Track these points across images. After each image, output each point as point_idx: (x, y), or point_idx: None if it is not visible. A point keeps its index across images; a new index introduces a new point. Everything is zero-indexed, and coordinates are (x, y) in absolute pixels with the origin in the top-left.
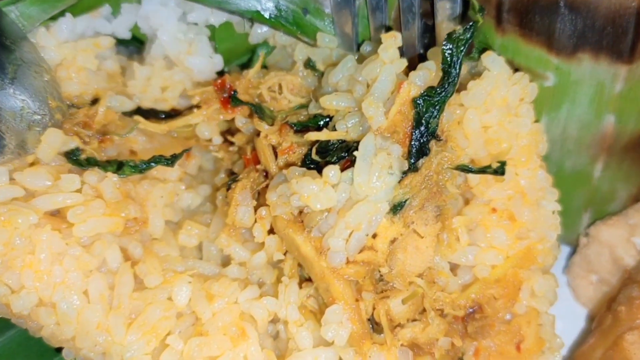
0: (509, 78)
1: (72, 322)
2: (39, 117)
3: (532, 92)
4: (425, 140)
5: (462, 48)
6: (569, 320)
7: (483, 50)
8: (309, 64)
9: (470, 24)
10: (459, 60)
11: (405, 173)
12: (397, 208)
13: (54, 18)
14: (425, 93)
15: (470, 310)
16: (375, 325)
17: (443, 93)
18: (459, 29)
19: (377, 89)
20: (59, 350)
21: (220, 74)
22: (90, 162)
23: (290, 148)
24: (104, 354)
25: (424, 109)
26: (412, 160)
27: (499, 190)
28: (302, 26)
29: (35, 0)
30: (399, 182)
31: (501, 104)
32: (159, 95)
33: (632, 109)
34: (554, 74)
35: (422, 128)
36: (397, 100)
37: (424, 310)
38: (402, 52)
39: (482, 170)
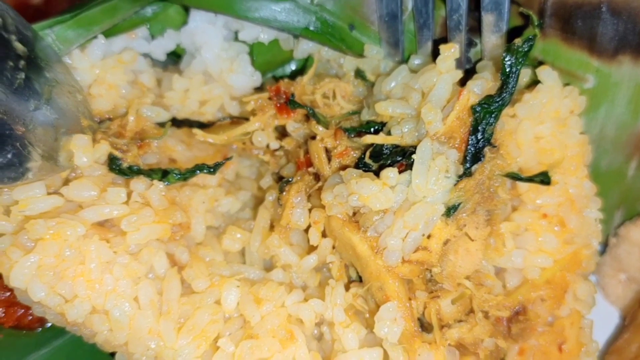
0: (561, 91)
1: (125, 328)
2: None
3: (582, 104)
4: (480, 146)
5: (520, 59)
6: (599, 319)
7: (539, 63)
8: (358, 74)
9: (530, 36)
10: (517, 71)
11: (460, 177)
12: (451, 210)
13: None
14: (483, 101)
15: (515, 312)
16: (423, 325)
17: (500, 101)
18: (518, 40)
19: (435, 96)
20: (112, 354)
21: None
22: (134, 171)
23: (345, 152)
24: (155, 358)
25: (482, 116)
26: (468, 165)
27: (550, 197)
28: (348, 41)
29: (72, 24)
30: (454, 185)
31: (554, 116)
32: (196, 108)
33: None
34: (595, 76)
35: (479, 135)
36: (456, 106)
37: (470, 311)
38: None
39: (530, 179)
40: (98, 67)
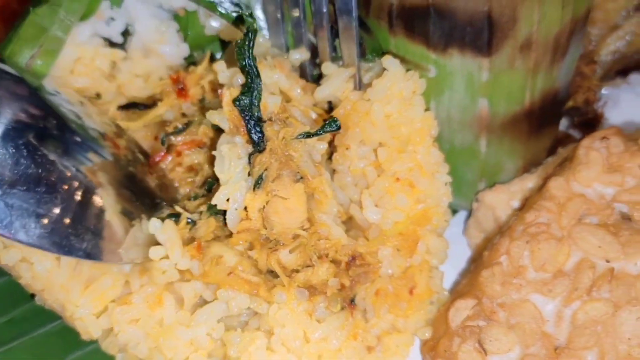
0: (404, 75)
1: (43, 279)
2: None
3: (422, 85)
4: (256, 126)
5: (246, 51)
6: None
7: (383, 53)
8: None
9: (248, 32)
10: (249, 60)
11: (251, 155)
12: (258, 182)
13: None
14: (240, 94)
15: (351, 257)
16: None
17: (253, 86)
18: (240, 37)
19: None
20: (33, 296)
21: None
22: None
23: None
24: (62, 307)
25: (246, 103)
26: (255, 144)
27: (402, 164)
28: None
29: None
30: (249, 163)
31: (399, 97)
32: (142, 84)
33: (500, 94)
34: (434, 67)
35: (247, 118)
36: (224, 105)
37: (319, 257)
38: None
39: (321, 131)
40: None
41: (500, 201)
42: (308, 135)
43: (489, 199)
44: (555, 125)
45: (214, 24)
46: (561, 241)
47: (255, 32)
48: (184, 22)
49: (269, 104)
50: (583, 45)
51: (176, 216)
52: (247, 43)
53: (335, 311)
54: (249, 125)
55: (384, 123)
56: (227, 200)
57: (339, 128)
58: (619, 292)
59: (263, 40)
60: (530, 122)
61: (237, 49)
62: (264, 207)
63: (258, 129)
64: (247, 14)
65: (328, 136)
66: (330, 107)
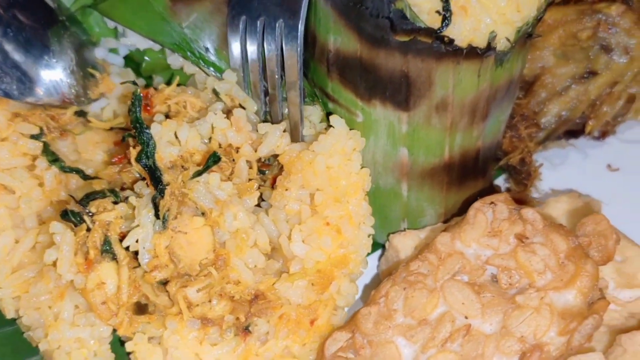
0: (347, 134)
1: None
2: None
3: (362, 144)
4: (155, 174)
5: (135, 112)
6: None
7: (329, 113)
8: (214, 92)
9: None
10: (138, 119)
11: (155, 199)
12: (164, 222)
13: None
14: (141, 150)
15: (254, 296)
16: None
17: (145, 139)
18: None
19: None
20: None
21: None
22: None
23: None
24: None
25: (142, 159)
26: (158, 190)
27: (334, 211)
28: (206, 61)
29: None
30: (152, 206)
31: (341, 152)
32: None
33: (419, 146)
34: (362, 113)
35: (147, 170)
36: (132, 162)
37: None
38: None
39: (206, 166)
40: None
41: (405, 245)
42: (198, 173)
43: (396, 241)
44: (479, 179)
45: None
46: (432, 292)
47: (140, 99)
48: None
49: (164, 156)
50: (511, 108)
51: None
52: (135, 105)
53: (227, 339)
54: (150, 175)
55: (324, 173)
56: (137, 241)
57: (219, 159)
58: (468, 348)
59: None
60: (449, 175)
61: (129, 108)
62: (169, 244)
63: (158, 177)
64: (132, 81)
65: (242, 174)
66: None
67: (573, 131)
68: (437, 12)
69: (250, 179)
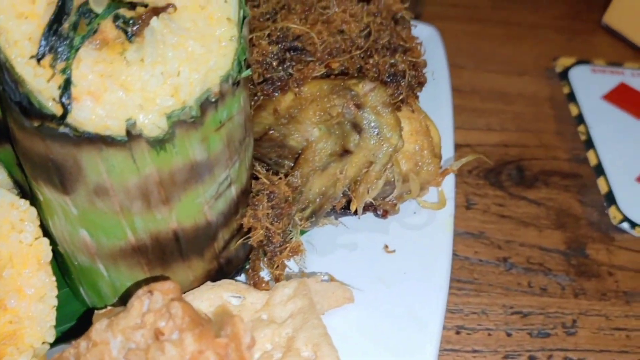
0: (12, 204)
1: None
2: None
3: (33, 213)
4: None
5: None
6: None
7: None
8: None
9: None
10: None
11: None
12: None
13: None
14: None
15: None
16: None
17: None
18: None
19: None
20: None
21: None
22: None
23: None
24: None
25: None
26: None
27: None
28: None
29: None
30: None
31: (6, 223)
32: None
33: (95, 228)
34: (39, 193)
35: None
36: None
37: None
38: None
39: None
40: None
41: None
42: None
43: (96, 318)
44: (193, 259)
45: None
46: None
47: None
48: None
49: None
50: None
51: None
52: None
53: None
54: None
55: None
56: None
57: None
58: None
59: None
60: (145, 256)
61: None
62: None
63: None
64: None
65: None
66: None
67: (346, 209)
68: (54, 99)
69: None
